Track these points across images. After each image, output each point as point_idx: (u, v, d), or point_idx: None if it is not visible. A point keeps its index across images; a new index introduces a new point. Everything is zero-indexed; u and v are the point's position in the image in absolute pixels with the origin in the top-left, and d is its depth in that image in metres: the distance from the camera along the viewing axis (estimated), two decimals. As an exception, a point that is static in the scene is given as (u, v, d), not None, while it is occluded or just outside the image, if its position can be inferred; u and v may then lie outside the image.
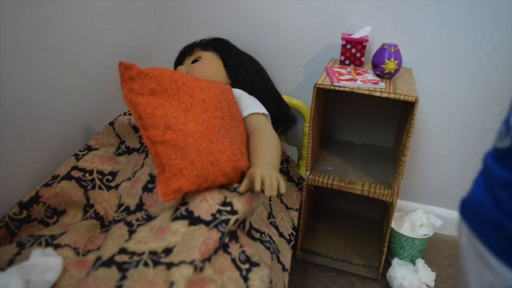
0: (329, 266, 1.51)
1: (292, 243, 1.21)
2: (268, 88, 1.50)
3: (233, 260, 0.92)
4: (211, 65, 1.45)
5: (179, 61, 1.55)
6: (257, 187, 0.99)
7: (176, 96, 1.07)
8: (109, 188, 1.18)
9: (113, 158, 1.26)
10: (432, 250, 1.63)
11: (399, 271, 1.42)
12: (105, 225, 1.10)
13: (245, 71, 1.46)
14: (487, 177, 0.52)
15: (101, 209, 1.12)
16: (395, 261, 1.49)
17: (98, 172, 1.20)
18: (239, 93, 1.31)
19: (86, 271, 0.88)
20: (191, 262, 0.82)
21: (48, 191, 1.10)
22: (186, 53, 1.52)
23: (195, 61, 1.46)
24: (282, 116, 1.51)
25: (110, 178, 1.21)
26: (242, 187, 1.04)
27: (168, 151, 0.98)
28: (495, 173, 0.50)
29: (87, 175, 1.18)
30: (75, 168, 1.19)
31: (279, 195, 1.33)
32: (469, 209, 0.54)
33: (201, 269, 0.83)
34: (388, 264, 1.51)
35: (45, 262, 0.86)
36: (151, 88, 1.04)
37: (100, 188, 1.17)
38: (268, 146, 1.15)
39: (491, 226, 0.49)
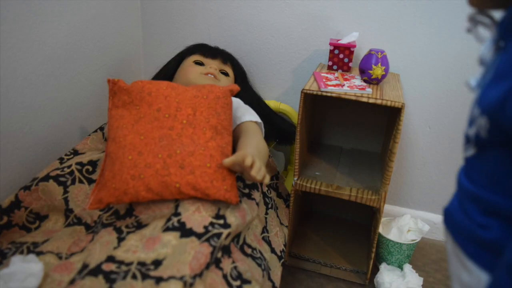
0: (317, 272, 1.50)
1: (283, 260, 1.21)
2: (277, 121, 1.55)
3: (225, 276, 0.91)
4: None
5: (199, 50, 1.51)
6: (248, 162, 0.95)
7: (138, 106, 1.10)
8: (90, 181, 1.14)
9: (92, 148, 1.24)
10: (419, 255, 1.63)
11: (387, 276, 1.42)
12: (90, 226, 1.07)
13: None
14: (458, 188, 0.58)
15: (81, 211, 1.08)
16: (383, 266, 1.49)
17: (77, 163, 1.15)
18: (235, 101, 1.31)
19: (68, 274, 0.87)
20: (181, 278, 0.80)
21: (29, 195, 1.08)
22: (218, 53, 1.51)
23: (223, 72, 1.47)
24: (288, 137, 1.56)
25: (90, 168, 1.16)
26: (228, 160, 1.00)
27: (107, 163, 1.03)
28: (462, 185, 0.56)
29: (65, 168, 1.14)
30: (55, 169, 1.15)
31: (276, 209, 1.34)
32: (448, 217, 0.58)
33: (191, 285, 0.81)
34: (375, 269, 1.51)
35: (25, 268, 0.84)
36: (123, 101, 1.11)
37: (80, 181, 1.13)
38: (258, 142, 1.15)
39: (464, 232, 0.54)
